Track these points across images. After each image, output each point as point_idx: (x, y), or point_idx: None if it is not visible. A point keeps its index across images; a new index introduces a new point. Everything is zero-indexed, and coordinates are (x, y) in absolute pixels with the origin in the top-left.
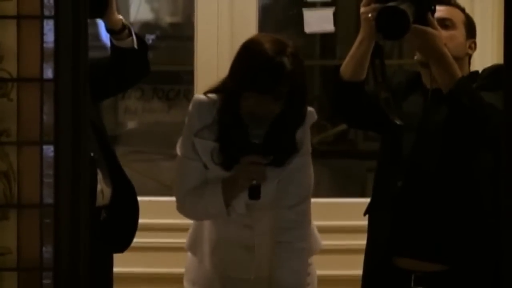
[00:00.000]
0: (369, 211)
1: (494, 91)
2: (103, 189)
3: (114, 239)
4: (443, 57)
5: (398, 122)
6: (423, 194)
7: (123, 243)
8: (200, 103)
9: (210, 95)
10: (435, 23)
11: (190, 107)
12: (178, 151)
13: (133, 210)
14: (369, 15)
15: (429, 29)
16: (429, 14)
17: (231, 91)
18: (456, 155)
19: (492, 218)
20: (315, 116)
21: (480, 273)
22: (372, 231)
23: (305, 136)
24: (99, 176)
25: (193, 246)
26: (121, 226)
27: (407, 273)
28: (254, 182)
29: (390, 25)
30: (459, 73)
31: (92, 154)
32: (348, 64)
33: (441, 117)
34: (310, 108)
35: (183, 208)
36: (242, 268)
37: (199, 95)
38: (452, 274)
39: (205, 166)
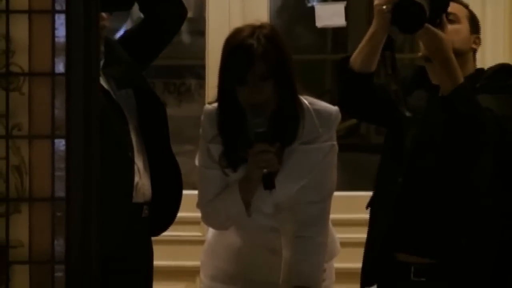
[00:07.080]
0: (371, 205)
1: (494, 93)
2: (141, 184)
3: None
4: (448, 61)
5: (407, 114)
6: (422, 190)
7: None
8: (210, 111)
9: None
10: (447, 27)
11: (202, 117)
12: (197, 162)
13: (175, 204)
14: (384, 7)
15: (439, 33)
16: (444, 16)
17: (220, 89)
18: (456, 153)
19: (491, 216)
20: (339, 116)
21: (478, 268)
22: (372, 225)
23: (331, 135)
24: (140, 167)
25: (209, 254)
26: (162, 220)
27: (407, 265)
28: (265, 170)
29: (406, 18)
30: (461, 79)
31: (129, 154)
32: (359, 56)
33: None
34: (334, 107)
35: (207, 218)
36: (268, 272)
37: (208, 105)
38: (452, 265)
39: (225, 173)
